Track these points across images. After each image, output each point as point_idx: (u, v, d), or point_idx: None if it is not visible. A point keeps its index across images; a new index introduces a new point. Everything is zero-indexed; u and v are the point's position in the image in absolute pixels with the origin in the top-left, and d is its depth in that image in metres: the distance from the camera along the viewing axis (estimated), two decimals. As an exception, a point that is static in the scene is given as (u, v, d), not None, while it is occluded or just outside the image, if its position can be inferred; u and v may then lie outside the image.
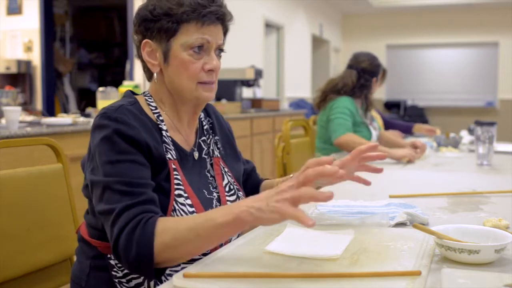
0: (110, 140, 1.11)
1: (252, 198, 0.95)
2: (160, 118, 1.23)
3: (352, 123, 2.94)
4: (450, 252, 0.98)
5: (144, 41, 1.22)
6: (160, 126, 1.21)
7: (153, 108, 1.24)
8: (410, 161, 2.56)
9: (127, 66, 5.21)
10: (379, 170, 1.23)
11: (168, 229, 0.98)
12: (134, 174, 1.09)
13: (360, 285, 0.87)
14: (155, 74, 1.24)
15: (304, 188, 0.90)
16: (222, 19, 1.22)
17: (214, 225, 0.95)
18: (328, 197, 0.87)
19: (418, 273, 0.91)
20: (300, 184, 0.91)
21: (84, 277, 1.23)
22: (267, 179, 1.50)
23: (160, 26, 1.18)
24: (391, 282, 0.87)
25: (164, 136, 1.21)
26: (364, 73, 3.07)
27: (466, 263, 0.98)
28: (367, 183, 1.23)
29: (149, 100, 1.25)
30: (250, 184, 1.47)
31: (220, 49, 1.24)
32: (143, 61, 1.25)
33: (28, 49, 5.41)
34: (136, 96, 1.26)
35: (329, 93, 3.08)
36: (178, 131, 1.26)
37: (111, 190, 1.07)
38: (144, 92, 1.29)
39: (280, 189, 0.92)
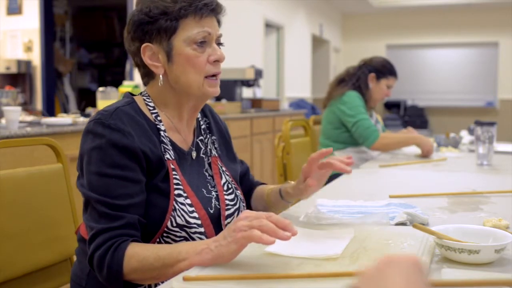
0: (102, 151, 1.11)
1: (214, 237, 1.00)
2: (158, 118, 1.23)
3: None
4: (450, 252, 0.98)
5: (144, 45, 1.20)
6: (158, 126, 1.21)
7: (151, 108, 1.24)
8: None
9: (127, 66, 5.21)
10: (346, 171, 1.27)
11: (137, 254, 1.04)
12: (118, 192, 1.10)
13: (360, 285, 0.87)
14: (160, 77, 1.22)
15: (265, 221, 0.95)
16: (216, 10, 1.22)
17: (178, 259, 1.00)
18: (287, 238, 0.94)
19: (418, 272, 0.90)
20: (253, 218, 0.96)
21: (84, 276, 1.23)
22: (263, 183, 1.50)
23: (159, 26, 1.18)
24: (391, 282, 0.87)
25: (162, 136, 1.21)
26: (366, 67, 3.08)
27: (466, 263, 0.98)
28: (347, 163, 1.28)
29: (147, 100, 1.25)
30: (244, 186, 1.47)
31: (219, 43, 1.25)
32: (143, 67, 1.24)
33: (28, 49, 5.41)
34: (134, 97, 1.26)
35: (334, 88, 3.08)
36: (177, 131, 1.26)
37: (93, 208, 1.11)
38: (141, 92, 1.28)
39: (234, 221, 0.98)
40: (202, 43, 1.19)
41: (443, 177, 2.14)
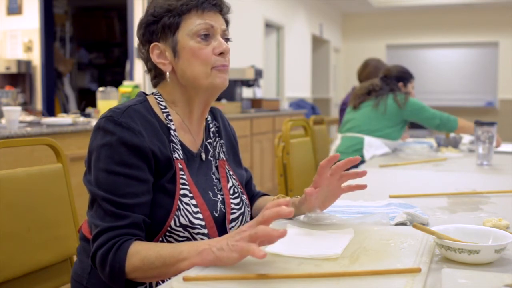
0: (112, 149, 1.11)
1: (217, 238, 1.00)
2: (169, 117, 1.23)
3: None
4: (450, 252, 0.98)
5: (152, 45, 1.22)
6: (168, 125, 1.22)
7: (163, 107, 1.24)
8: None
9: (127, 66, 5.20)
10: (361, 174, 1.21)
11: (138, 253, 1.04)
12: (125, 191, 1.10)
13: (360, 284, 0.87)
14: (167, 74, 1.23)
15: (260, 227, 0.94)
16: (219, 6, 1.24)
17: (179, 258, 1.00)
18: (282, 234, 0.91)
19: (417, 270, 0.90)
20: (259, 223, 0.96)
21: (85, 275, 1.23)
22: (265, 194, 1.47)
23: (163, 24, 1.20)
24: (391, 280, 0.87)
25: (172, 135, 1.21)
26: (390, 79, 3.30)
27: (466, 263, 0.97)
28: (361, 187, 1.23)
29: (159, 99, 1.26)
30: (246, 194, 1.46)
31: (226, 38, 1.25)
32: (154, 69, 1.25)
33: (28, 49, 5.41)
34: (147, 96, 1.26)
35: (364, 96, 3.31)
36: (188, 131, 1.26)
37: (98, 205, 1.11)
38: (153, 92, 1.29)
39: (240, 229, 0.96)
40: (207, 36, 1.21)
41: (443, 177, 2.14)
